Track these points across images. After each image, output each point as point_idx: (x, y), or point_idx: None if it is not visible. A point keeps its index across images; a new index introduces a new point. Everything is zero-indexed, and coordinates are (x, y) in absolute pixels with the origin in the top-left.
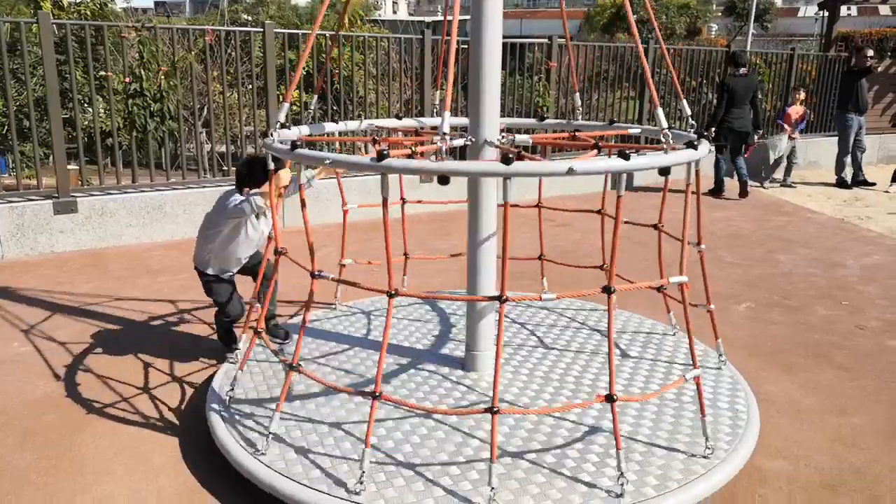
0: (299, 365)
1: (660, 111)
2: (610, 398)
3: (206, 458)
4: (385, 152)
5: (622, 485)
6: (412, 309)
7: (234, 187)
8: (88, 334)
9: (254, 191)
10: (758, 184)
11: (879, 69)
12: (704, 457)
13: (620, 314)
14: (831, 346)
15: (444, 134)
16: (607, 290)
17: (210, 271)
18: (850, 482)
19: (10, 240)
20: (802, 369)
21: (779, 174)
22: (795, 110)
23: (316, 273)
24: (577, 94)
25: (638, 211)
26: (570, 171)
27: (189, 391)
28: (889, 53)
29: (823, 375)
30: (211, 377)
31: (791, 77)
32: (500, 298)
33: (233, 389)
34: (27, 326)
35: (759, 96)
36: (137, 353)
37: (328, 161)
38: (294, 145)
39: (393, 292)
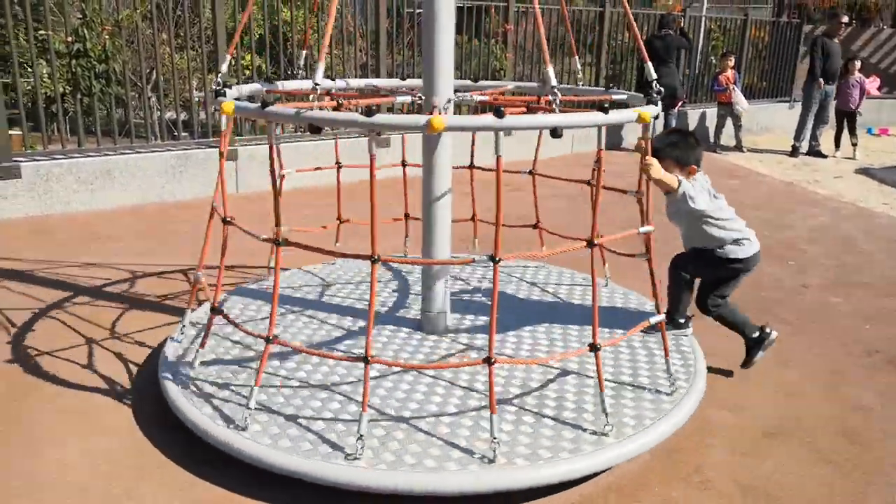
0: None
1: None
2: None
3: (158, 419)
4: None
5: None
6: (368, 273)
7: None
8: (37, 302)
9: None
10: (711, 148)
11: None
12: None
13: (564, 273)
14: (777, 303)
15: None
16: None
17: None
18: (790, 430)
19: None
20: None
21: (730, 140)
22: (725, 76)
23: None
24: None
25: (569, 171)
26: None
27: (141, 356)
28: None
29: None
30: (162, 342)
31: (745, 42)
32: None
33: (183, 349)
34: None
35: (681, 57)
36: (88, 319)
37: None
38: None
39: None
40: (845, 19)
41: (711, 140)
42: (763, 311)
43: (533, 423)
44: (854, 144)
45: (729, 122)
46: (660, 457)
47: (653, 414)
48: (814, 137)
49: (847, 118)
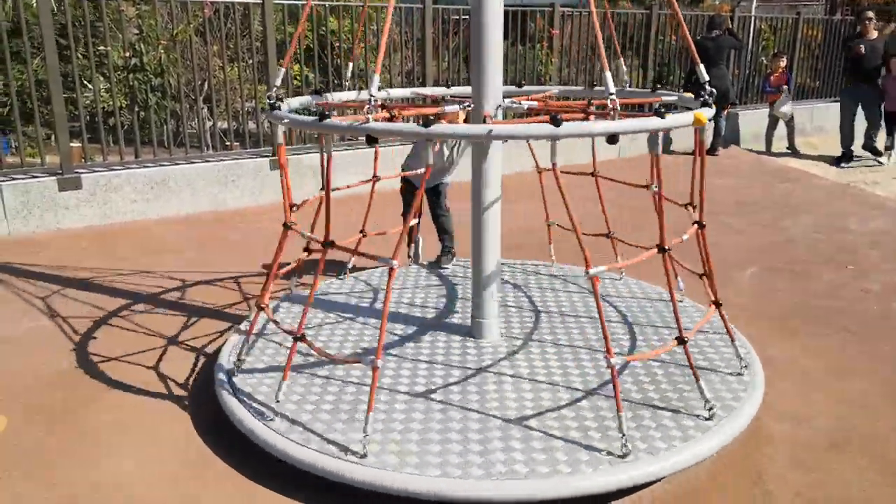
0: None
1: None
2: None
3: (215, 427)
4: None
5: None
6: (420, 278)
7: None
8: (97, 310)
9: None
10: (763, 151)
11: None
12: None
13: (628, 281)
14: (836, 310)
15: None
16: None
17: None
18: (853, 442)
19: (17, 217)
20: (807, 333)
21: (782, 141)
22: (777, 76)
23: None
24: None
25: (643, 175)
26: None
27: (198, 364)
28: None
29: (828, 339)
30: (218, 350)
31: (796, 42)
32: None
33: (240, 360)
34: (36, 303)
35: (731, 58)
36: (146, 327)
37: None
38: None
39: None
40: (870, 14)
41: (764, 142)
42: (821, 319)
43: (546, 442)
44: (888, 148)
45: (781, 123)
46: (717, 468)
47: (709, 423)
48: (868, 136)
49: (890, 118)
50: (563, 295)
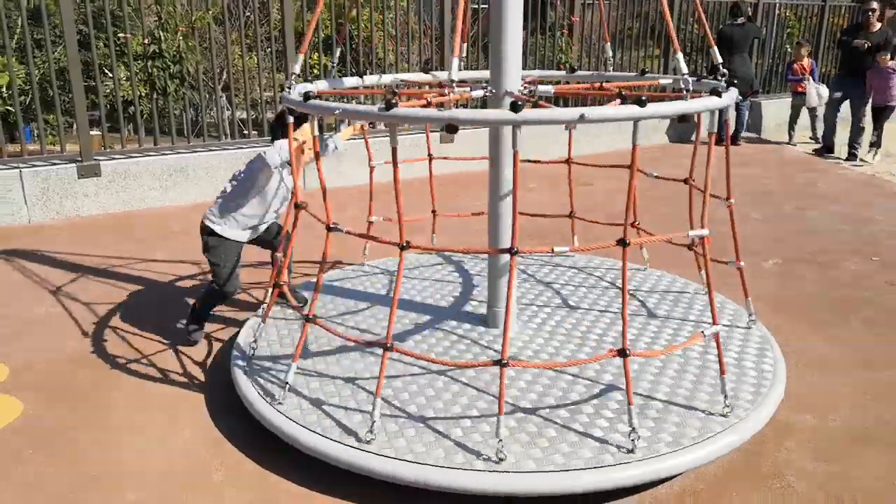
0: (315, 317)
1: (680, 56)
2: (622, 353)
3: (231, 411)
4: (393, 102)
5: (633, 441)
6: (436, 268)
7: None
8: (115, 294)
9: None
10: (786, 140)
11: None
12: (723, 415)
13: (652, 272)
14: (860, 301)
15: (453, 82)
16: (622, 242)
17: (222, 231)
18: (877, 435)
19: (36, 203)
20: (831, 324)
21: (805, 131)
22: (801, 65)
23: (331, 226)
24: (608, 44)
25: (665, 164)
26: (582, 118)
27: (214, 347)
28: None
29: (852, 330)
30: (235, 334)
31: (822, 31)
32: (512, 251)
33: (255, 342)
34: (56, 287)
35: (754, 46)
36: (164, 311)
37: (338, 111)
38: (307, 96)
39: (405, 245)
40: (874, 5)
41: (787, 131)
42: (846, 310)
43: (555, 433)
44: (871, 144)
45: (804, 112)
46: (737, 461)
47: (727, 420)
48: (851, 144)
49: (877, 114)
50: (582, 285)
